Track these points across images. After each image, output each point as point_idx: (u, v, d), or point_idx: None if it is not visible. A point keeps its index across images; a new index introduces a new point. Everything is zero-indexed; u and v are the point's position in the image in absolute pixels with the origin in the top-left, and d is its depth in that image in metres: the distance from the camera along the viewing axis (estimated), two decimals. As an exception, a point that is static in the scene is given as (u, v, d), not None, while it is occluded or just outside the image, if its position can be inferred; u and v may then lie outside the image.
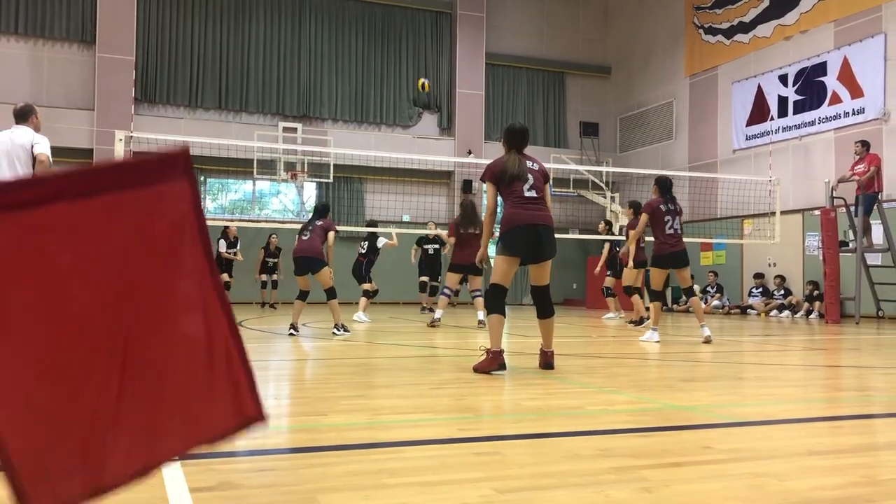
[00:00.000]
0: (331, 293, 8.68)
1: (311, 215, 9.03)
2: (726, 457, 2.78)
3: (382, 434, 3.12)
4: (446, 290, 10.59)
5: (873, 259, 13.54)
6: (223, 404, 1.39)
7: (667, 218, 7.97)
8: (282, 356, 6.77)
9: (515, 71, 21.77)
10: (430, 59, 20.70)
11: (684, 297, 8.37)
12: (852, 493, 2.29)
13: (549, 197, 5.50)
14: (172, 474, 2.34)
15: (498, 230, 5.65)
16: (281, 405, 4.09)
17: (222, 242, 15.41)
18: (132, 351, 1.30)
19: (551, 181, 5.58)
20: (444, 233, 13.12)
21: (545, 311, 5.47)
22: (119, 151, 11.28)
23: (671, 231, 7.96)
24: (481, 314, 10.21)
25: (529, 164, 5.43)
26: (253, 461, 2.66)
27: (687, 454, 2.81)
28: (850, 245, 13.12)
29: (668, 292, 12.26)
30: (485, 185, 5.53)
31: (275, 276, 16.45)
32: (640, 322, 10.91)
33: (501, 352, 5.19)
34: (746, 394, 4.78)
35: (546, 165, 5.81)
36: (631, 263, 11.24)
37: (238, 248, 15.88)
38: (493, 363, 5.14)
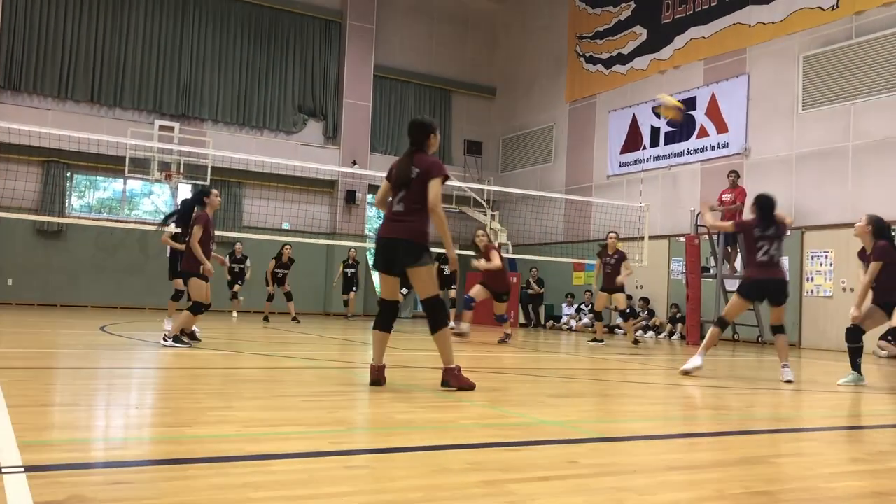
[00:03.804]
0: (194, 307, 7.71)
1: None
2: (591, 471, 2.86)
3: (250, 447, 3.02)
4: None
5: (732, 285, 14.37)
6: None
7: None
8: (147, 364, 6.47)
9: (403, 85, 21.88)
10: (317, 67, 20.48)
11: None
12: (705, 507, 2.40)
13: (434, 194, 4.97)
14: (15, 486, 2.17)
15: None
16: (142, 415, 3.90)
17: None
18: None
19: (439, 181, 4.99)
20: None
21: (430, 326, 5.10)
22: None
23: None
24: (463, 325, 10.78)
25: (415, 171, 5.03)
26: (107, 473, 2.51)
27: (554, 468, 2.87)
28: (712, 271, 13.90)
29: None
30: None
31: (287, 287, 14.88)
32: (636, 342, 12.29)
33: (377, 368, 5.15)
34: (612, 410, 4.95)
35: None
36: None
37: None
38: (370, 376, 5.14)
